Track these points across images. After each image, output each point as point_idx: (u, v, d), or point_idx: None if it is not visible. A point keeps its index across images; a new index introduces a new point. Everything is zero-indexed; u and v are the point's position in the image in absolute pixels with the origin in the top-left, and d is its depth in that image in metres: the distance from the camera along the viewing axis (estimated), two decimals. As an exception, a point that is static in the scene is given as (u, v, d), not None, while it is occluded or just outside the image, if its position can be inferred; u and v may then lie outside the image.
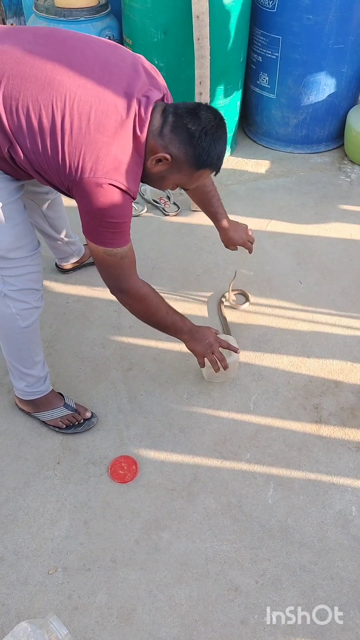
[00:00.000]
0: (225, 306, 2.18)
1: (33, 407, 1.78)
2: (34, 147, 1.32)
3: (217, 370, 1.73)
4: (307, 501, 1.64)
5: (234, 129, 3.11)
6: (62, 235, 2.13)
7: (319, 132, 3.15)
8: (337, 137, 3.23)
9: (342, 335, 2.13)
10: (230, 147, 3.18)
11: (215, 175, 1.46)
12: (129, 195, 1.36)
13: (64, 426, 1.78)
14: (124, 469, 1.69)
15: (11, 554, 1.52)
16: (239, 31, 2.75)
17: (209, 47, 2.45)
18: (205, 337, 1.72)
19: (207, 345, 1.72)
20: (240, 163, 3.13)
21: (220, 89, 2.83)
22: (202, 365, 1.75)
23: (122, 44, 2.84)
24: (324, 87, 2.96)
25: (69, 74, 1.29)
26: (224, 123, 1.39)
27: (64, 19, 2.68)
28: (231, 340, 1.88)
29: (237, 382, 1.95)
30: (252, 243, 2.02)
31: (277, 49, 2.88)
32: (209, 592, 1.45)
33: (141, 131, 1.32)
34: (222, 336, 1.85)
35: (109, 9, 2.80)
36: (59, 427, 1.78)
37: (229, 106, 2.94)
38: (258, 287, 2.33)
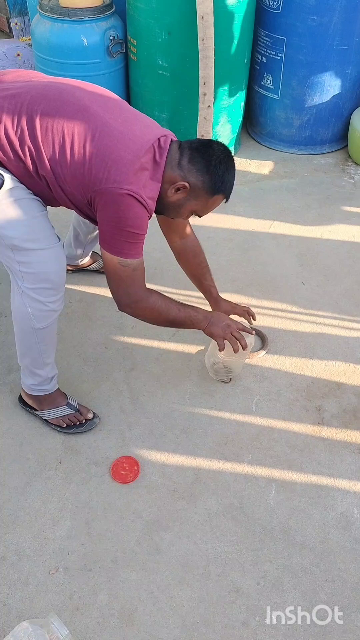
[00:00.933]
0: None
1: (36, 403, 1.79)
2: (61, 159, 1.42)
3: (237, 350, 1.74)
4: (309, 503, 1.64)
5: (237, 130, 3.11)
6: (88, 237, 2.16)
7: (323, 133, 3.15)
8: (341, 139, 3.23)
9: (345, 337, 2.13)
10: (234, 148, 3.18)
11: (225, 202, 1.60)
12: (147, 211, 1.46)
13: (65, 425, 1.78)
14: (126, 470, 1.69)
15: (12, 554, 1.52)
16: (243, 32, 2.75)
17: (214, 48, 2.45)
18: (221, 320, 1.75)
19: (225, 327, 1.74)
20: (243, 164, 3.13)
21: (224, 89, 2.83)
22: (222, 347, 1.74)
23: (127, 44, 2.84)
24: (328, 88, 2.96)
25: (103, 108, 1.47)
26: (228, 155, 1.54)
27: (68, 18, 2.68)
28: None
29: (239, 384, 1.95)
30: (250, 314, 2.04)
31: (281, 49, 2.88)
32: (210, 594, 1.45)
33: (160, 159, 1.47)
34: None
35: (113, 9, 2.81)
36: (60, 426, 1.79)
37: (232, 107, 2.94)
38: (261, 288, 2.33)
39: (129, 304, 1.58)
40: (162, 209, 1.58)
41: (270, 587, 1.47)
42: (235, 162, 1.57)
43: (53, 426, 1.80)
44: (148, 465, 1.71)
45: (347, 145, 3.22)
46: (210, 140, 1.54)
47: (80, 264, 2.31)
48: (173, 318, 1.66)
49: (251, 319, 2.04)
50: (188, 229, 1.89)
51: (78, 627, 1.39)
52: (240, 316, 2.01)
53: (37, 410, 1.80)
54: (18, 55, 3.36)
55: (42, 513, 1.60)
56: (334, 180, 3.01)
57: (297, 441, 1.79)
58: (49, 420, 1.79)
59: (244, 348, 1.75)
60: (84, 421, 1.79)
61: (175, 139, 1.57)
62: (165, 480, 1.68)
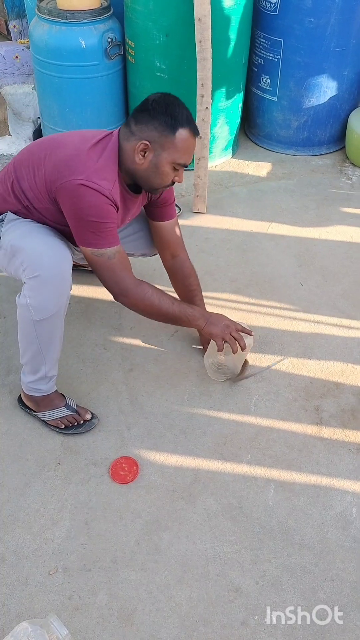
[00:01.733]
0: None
1: (34, 405, 1.79)
2: (30, 182, 1.59)
3: (235, 351, 1.74)
4: (308, 502, 1.64)
5: (235, 132, 3.12)
6: None
7: (321, 134, 3.16)
8: (339, 140, 3.24)
9: (343, 337, 2.14)
10: (232, 150, 3.19)
11: (196, 137, 1.56)
12: (104, 196, 1.49)
13: (64, 426, 1.78)
14: (125, 470, 1.70)
15: (12, 555, 1.52)
16: (240, 34, 2.76)
17: (211, 50, 2.46)
18: (221, 320, 1.77)
19: (224, 327, 1.75)
20: (241, 165, 3.14)
21: (222, 91, 2.84)
22: (221, 348, 1.75)
23: (124, 47, 2.85)
24: (326, 89, 2.97)
25: (63, 144, 1.59)
26: (175, 98, 1.55)
27: (66, 21, 2.69)
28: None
29: (237, 384, 1.95)
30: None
31: (278, 51, 2.89)
32: (210, 593, 1.46)
33: (109, 141, 1.55)
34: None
35: (111, 12, 2.81)
36: (59, 427, 1.79)
37: (230, 108, 2.95)
38: (259, 289, 2.34)
39: (118, 293, 1.63)
40: (148, 182, 1.60)
41: (269, 586, 1.47)
42: (178, 99, 1.56)
43: (52, 427, 1.80)
44: (147, 466, 1.72)
45: (344, 147, 3.23)
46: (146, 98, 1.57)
47: (82, 262, 2.31)
48: (166, 311, 1.67)
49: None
50: (180, 248, 1.94)
51: (78, 627, 1.39)
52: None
53: (35, 411, 1.80)
54: (16, 57, 3.37)
55: (41, 513, 1.60)
56: (331, 182, 3.02)
57: (296, 441, 1.79)
58: (48, 422, 1.80)
59: (242, 349, 1.76)
60: (82, 422, 1.79)
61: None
62: (164, 481, 1.68)
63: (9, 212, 1.67)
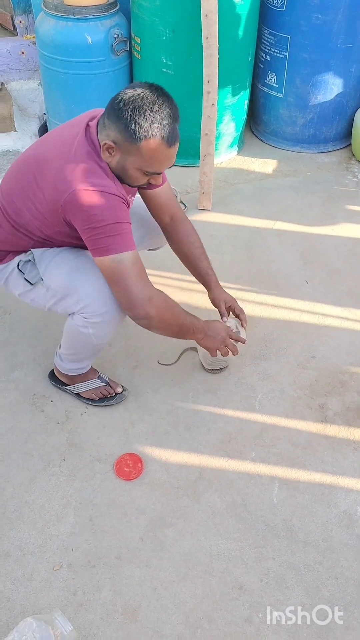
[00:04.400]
0: None
1: (68, 380, 1.84)
2: (32, 212, 1.50)
3: (226, 354, 1.75)
4: (312, 501, 1.64)
5: (241, 128, 3.11)
6: None
7: (327, 131, 3.15)
8: (345, 137, 3.22)
9: (349, 335, 2.13)
10: (238, 146, 3.18)
11: (172, 145, 1.38)
12: (110, 193, 1.39)
13: (97, 398, 1.84)
14: (130, 467, 1.70)
15: (16, 550, 1.53)
16: (247, 30, 2.75)
17: (218, 46, 2.45)
18: (217, 333, 1.71)
19: (220, 340, 1.72)
20: (247, 162, 3.13)
21: (228, 87, 2.83)
22: (215, 355, 1.76)
23: (131, 43, 2.84)
24: (332, 86, 2.96)
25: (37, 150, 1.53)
26: (156, 90, 1.35)
27: (72, 16, 2.68)
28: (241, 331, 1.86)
29: (242, 381, 1.95)
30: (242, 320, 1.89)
31: (285, 48, 2.88)
32: (214, 590, 1.46)
33: (91, 136, 1.43)
34: (231, 322, 1.85)
35: (117, 7, 2.80)
36: (92, 400, 1.84)
37: (236, 105, 2.94)
38: (264, 286, 2.33)
39: (140, 304, 1.46)
40: (122, 180, 1.47)
41: (273, 584, 1.47)
42: (158, 95, 1.34)
43: (84, 400, 1.85)
44: (151, 463, 1.72)
45: (350, 144, 3.21)
46: (125, 88, 1.39)
47: None
48: (182, 322, 1.59)
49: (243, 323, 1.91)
50: (176, 208, 1.78)
51: (82, 622, 1.39)
52: (234, 312, 1.87)
53: (68, 384, 1.85)
54: (22, 53, 3.36)
55: (46, 509, 1.61)
56: (337, 179, 3.01)
57: (301, 439, 1.79)
58: (81, 394, 1.85)
59: (234, 354, 1.75)
60: (114, 394, 1.84)
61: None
62: (169, 478, 1.69)
63: (31, 250, 1.62)
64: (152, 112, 1.32)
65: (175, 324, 1.58)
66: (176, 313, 1.56)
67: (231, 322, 1.85)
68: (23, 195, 1.49)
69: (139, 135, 1.34)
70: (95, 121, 1.45)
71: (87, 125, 1.45)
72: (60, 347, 1.78)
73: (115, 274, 1.43)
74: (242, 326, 1.86)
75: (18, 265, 1.63)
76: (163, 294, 1.53)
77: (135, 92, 1.33)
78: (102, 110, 1.48)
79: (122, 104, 1.33)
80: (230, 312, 1.87)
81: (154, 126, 1.33)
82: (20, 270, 1.63)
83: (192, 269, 1.85)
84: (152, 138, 1.34)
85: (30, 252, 1.63)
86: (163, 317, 1.52)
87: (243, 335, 1.83)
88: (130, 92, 1.34)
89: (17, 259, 1.64)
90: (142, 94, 1.33)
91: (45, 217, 1.48)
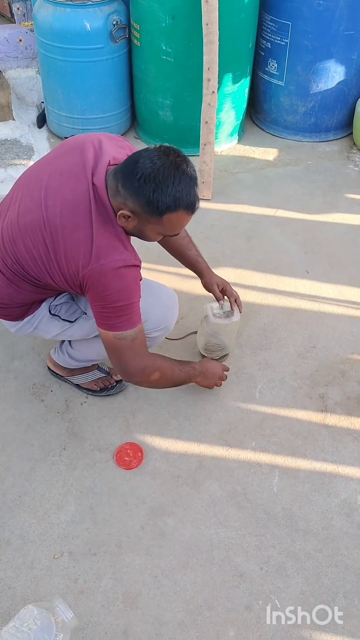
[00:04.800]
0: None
1: (68, 372, 1.84)
2: (41, 273, 1.44)
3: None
4: (312, 489, 1.64)
5: (241, 117, 3.09)
6: None
7: (328, 120, 3.12)
8: (346, 126, 3.20)
9: (349, 324, 2.13)
10: (238, 135, 3.15)
11: (192, 213, 1.34)
12: (126, 267, 1.35)
13: (98, 389, 1.84)
14: (130, 456, 1.70)
15: (17, 538, 1.53)
16: (248, 16, 2.72)
17: (218, 33, 2.42)
18: (214, 373, 1.75)
19: (217, 378, 1.77)
20: (247, 151, 3.11)
21: (229, 75, 2.80)
22: (212, 388, 1.82)
23: (130, 29, 2.81)
24: (334, 74, 2.93)
25: (38, 204, 1.39)
26: (175, 159, 1.28)
27: (71, 2, 2.65)
28: (226, 306, 1.86)
29: (242, 371, 1.95)
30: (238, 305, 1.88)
31: (286, 35, 2.85)
32: (214, 578, 1.46)
33: (103, 204, 1.34)
34: (226, 304, 1.85)
35: (116, -6, 2.77)
36: (92, 390, 1.85)
37: (237, 93, 2.91)
38: (265, 276, 2.32)
39: (134, 372, 1.50)
40: (138, 238, 1.43)
41: (273, 572, 1.48)
42: (178, 163, 1.28)
43: (85, 390, 1.85)
44: (152, 452, 1.72)
45: (352, 133, 3.19)
46: (140, 154, 1.29)
47: None
48: (175, 380, 1.62)
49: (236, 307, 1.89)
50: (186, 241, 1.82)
51: (83, 610, 1.40)
52: (228, 295, 1.86)
53: (67, 376, 1.85)
54: (20, 41, 3.33)
55: (46, 498, 1.61)
56: (338, 168, 2.99)
57: (301, 428, 1.79)
58: (81, 385, 1.85)
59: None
60: (114, 384, 1.85)
61: (111, 161, 1.39)
62: (169, 467, 1.69)
63: (49, 301, 1.60)
64: (173, 186, 1.27)
65: (168, 383, 1.63)
66: (168, 375, 1.58)
67: (226, 304, 1.86)
68: (36, 265, 1.42)
69: (161, 211, 1.29)
70: (100, 180, 1.35)
71: (94, 185, 1.35)
72: (69, 347, 1.75)
73: (115, 347, 1.45)
74: (237, 307, 1.86)
75: (50, 310, 1.61)
76: (157, 360, 1.54)
77: (154, 167, 1.26)
78: (92, 139, 1.43)
79: (142, 180, 1.26)
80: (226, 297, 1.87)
81: (177, 201, 1.28)
82: (53, 314, 1.61)
83: (182, 258, 1.84)
84: (174, 212, 1.30)
85: (63, 294, 1.61)
86: (153, 382, 1.57)
87: (237, 316, 1.83)
88: (149, 166, 1.26)
89: (44, 306, 1.61)
90: (161, 168, 1.26)
91: (62, 282, 1.43)
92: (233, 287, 1.88)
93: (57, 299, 1.61)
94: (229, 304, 1.85)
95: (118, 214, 1.33)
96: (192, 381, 1.71)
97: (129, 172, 1.28)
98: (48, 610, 1.28)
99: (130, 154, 1.41)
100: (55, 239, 1.36)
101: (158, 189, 1.26)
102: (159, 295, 1.64)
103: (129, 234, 1.40)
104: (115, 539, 1.53)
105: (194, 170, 1.32)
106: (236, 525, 1.56)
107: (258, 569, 1.48)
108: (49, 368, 1.91)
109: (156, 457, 1.71)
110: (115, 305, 1.38)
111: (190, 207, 1.32)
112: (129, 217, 1.32)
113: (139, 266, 1.40)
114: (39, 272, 1.43)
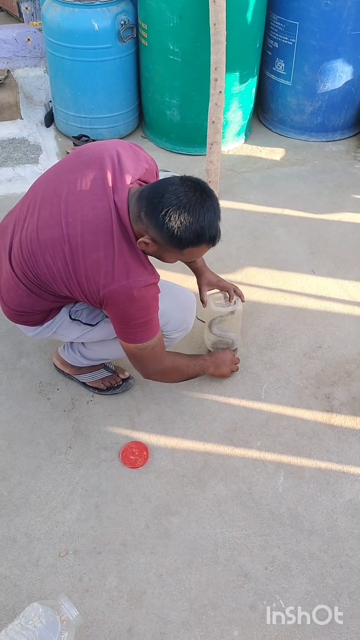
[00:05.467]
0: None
1: (75, 370, 1.85)
2: (59, 286, 1.46)
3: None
4: (318, 490, 1.64)
5: (248, 116, 3.08)
6: None
7: (335, 120, 3.11)
8: (353, 125, 3.19)
9: (355, 325, 2.12)
10: (245, 135, 3.15)
11: (212, 246, 1.38)
12: (145, 286, 1.38)
13: (105, 388, 1.85)
14: (135, 455, 1.70)
15: (23, 536, 1.54)
16: (255, 16, 2.72)
17: (225, 33, 2.42)
18: (224, 361, 1.85)
19: (229, 365, 1.86)
20: (254, 150, 3.11)
21: (236, 75, 2.80)
22: (229, 376, 1.90)
23: (137, 29, 2.82)
24: (341, 74, 2.92)
25: (58, 222, 1.39)
26: (200, 195, 1.29)
27: (79, 2, 2.66)
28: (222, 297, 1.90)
29: (248, 371, 1.95)
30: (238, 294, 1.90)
31: (294, 34, 2.85)
32: (219, 578, 1.47)
33: (125, 227, 1.35)
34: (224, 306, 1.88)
35: (124, -7, 2.78)
36: (99, 389, 1.86)
37: (244, 93, 2.91)
38: (271, 276, 2.32)
39: (154, 373, 1.61)
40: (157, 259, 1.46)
41: (278, 572, 1.48)
42: (209, 198, 1.31)
43: (91, 389, 1.86)
44: (157, 451, 1.72)
45: (359, 132, 3.18)
46: (167, 186, 1.29)
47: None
48: (190, 374, 1.73)
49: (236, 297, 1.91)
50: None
51: (88, 608, 1.41)
52: (223, 291, 1.89)
53: (74, 375, 1.86)
54: (28, 40, 3.33)
55: (52, 496, 1.62)
56: (345, 168, 2.98)
57: (306, 428, 1.79)
58: (88, 383, 1.86)
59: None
60: (120, 382, 1.86)
61: (131, 179, 1.39)
62: (174, 466, 1.69)
63: (65, 310, 1.62)
64: (198, 222, 1.29)
65: (183, 378, 1.72)
66: (184, 371, 1.69)
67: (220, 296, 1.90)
68: (55, 280, 1.43)
69: (184, 245, 1.32)
70: (121, 201, 1.35)
71: (116, 205, 1.35)
72: (82, 346, 1.76)
73: (136, 356, 1.53)
74: (239, 297, 1.89)
75: (70, 315, 1.63)
76: (175, 359, 1.64)
77: (180, 204, 1.27)
78: (110, 151, 1.41)
79: (167, 217, 1.27)
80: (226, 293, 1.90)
81: (200, 237, 1.31)
82: (74, 319, 1.63)
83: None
84: (197, 247, 1.34)
85: (65, 310, 1.63)
86: (170, 379, 1.71)
87: (239, 305, 1.87)
88: (174, 203, 1.27)
89: (64, 311, 1.62)
90: (187, 205, 1.27)
91: (81, 297, 1.45)
92: (238, 286, 1.90)
93: (77, 304, 1.63)
94: (229, 296, 1.88)
95: (139, 240, 1.35)
96: (206, 373, 1.80)
97: (154, 205, 1.29)
98: (53, 608, 1.28)
99: (147, 166, 1.46)
100: (75, 257, 1.37)
101: (182, 226, 1.28)
102: (178, 297, 1.68)
103: (146, 254, 1.42)
104: (121, 537, 1.54)
105: (218, 204, 1.35)
106: (241, 525, 1.56)
107: (263, 569, 1.48)
108: (55, 366, 1.91)
109: (161, 456, 1.71)
110: (137, 322, 1.42)
111: (212, 241, 1.35)
112: (149, 243, 1.34)
113: (158, 280, 1.43)
114: (59, 287, 1.45)
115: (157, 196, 1.29)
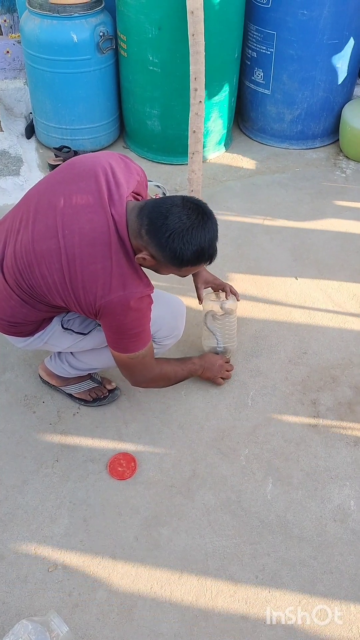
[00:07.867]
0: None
1: (61, 381, 1.84)
2: (55, 298, 1.47)
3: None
4: (306, 496, 1.64)
5: (228, 125, 3.11)
6: None
7: (314, 127, 3.15)
8: (332, 133, 3.23)
9: (339, 330, 2.14)
10: (226, 144, 3.17)
11: (208, 264, 1.45)
12: (141, 297, 1.41)
13: (91, 399, 1.84)
14: (123, 466, 1.69)
15: (11, 552, 1.52)
16: (233, 27, 2.75)
17: (204, 43, 2.44)
18: (213, 364, 1.88)
19: (218, 368, 1.89)
20: (235, 159, 3.13)
21: (215, 85, 2.82)
22: (221, 384, 1.92)
23: (117, 40, 2.83)
24: (319, 82, 2.96)
25: (55, 233, 1.40)
26: (202, 218, 1.34)
27: (57, 15, 2.67)
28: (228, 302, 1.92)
29: (234, 379, 1.95)
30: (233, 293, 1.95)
31: (271, 44, 2.88)
32: (209, 588, 1.46)
33: (122, 236, 1.38)
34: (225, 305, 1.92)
35: (102, 5, 2.79)
36: (85, 400, 1.85)
37: (223, 102, 2.93)
38: (255, 283, 2.33)
39: (143, 381, 1.66)
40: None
41: (268, 580, 1.47)
42: (209, 220, 1.37)
43: (77, 401, 1.85)
44: (145, 462, 1.72)
45: (338, 140, 3.22)
46: (168, 207, 1.33)
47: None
48: (179, 378, 1.75)
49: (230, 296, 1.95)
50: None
51: (78, 623, 1.39)
52: (218, 289, 1.92)
53: (60, 386, 1.85)
54: (7, 52, 3.33)
55: (39, 511, 1.60)
56: (326, 175, 3.01)
57: (293, 435, 1.80)
58: (74, 395, 1.85)
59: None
60: (107, 393, 1.86)
61: (127, 193, 1.41)
62: (163, 476, 1.68)
63: (61, 318, 1.63)
64: (199, 244, 1.34)
65: (171, 383, 1.75)
66: (171, 378, 1.72)
67: (228, 302, 1.93)
68: (50, 291, 1.44)
69: (184, 263, 1.37)
70: (119, 215, 1.37)
71: (114, 219, 1.37)
72: (71, 357, 1.75)
73: (127, 365, 1.56)
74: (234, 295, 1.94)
75: (62, 325, 1.63)
76: (163, 367, 1.66)
77: (184, 226, 1.32)
78: (102, 164, 1.43)
79: (170, 239, 1.31)
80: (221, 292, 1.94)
81: (199, 257, 1.37)
82: (66, 328, 1.64)
83: None
84: (194, 266, 1.40)
85: (59, 319, 1.64)
86: (159, 385, 1.75)
87: (234, 303, 1.91)
88: (178, 226, 1.31)
89: (56, 320, 1.63)
90: (190, 228, 1.32)
91: (76, 308, 1.46)
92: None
93: (69, 313, 1.63)
94: (225, 295, 1.92)
95: (138, 256, 1.38)
96: (195, 375, 1.84)
97: (158, 226, 1.32)
98: (43, 625, 1.27)
99: (138, 178, 1.49)
100: (72, 269, 1.39)
101: (184, 247, 1.33)
102: (169, 305, 1.71)
103: (142, 266, 1.44)
104: (110, 550, 1.52)
105: (216, 224, 1.40)
106: (231, 533, 1.56)
107: (253, 578, 1.48)
108: (41, 377, 1.90)
109: (149, 467, 1.70)
110: (131, 332, 1.46)
111: (209, 259, 1.42)
112: (147, 259, 1.38)
113: (151, 294, 1.46)
114: (53, 298, 1.46)
115: (160, 217, 1.33)
